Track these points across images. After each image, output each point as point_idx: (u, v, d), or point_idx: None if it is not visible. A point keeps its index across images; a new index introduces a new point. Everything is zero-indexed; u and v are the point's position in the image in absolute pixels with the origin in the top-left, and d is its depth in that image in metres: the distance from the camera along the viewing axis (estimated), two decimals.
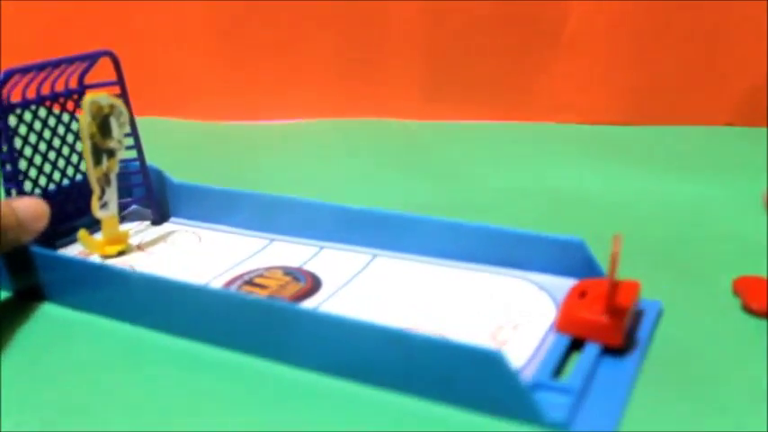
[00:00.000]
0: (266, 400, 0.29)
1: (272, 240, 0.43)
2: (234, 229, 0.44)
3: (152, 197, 0.45)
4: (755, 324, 0.34)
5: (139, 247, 0.42)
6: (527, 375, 0.29)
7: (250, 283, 0.38)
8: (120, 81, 0.43)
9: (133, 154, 0.44)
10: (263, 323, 0.31)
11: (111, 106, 0.41)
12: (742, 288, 0.36)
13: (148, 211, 0.46)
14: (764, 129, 0.66)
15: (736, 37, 0.68)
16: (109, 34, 0.71)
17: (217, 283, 0.38)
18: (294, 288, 0.37)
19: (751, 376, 0.30)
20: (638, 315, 0.34)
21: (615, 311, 0.31)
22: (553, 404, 0.27)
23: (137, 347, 0.33)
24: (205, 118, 0.73)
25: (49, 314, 0.36)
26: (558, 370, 0.30)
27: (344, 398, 0.29)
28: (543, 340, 0.32)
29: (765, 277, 0.37)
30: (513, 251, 0.37)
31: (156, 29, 0.73)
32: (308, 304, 0.35)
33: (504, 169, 0.58)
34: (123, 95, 0.43)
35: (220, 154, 0.62)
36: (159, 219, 0.46)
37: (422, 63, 0.72)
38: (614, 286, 0.32)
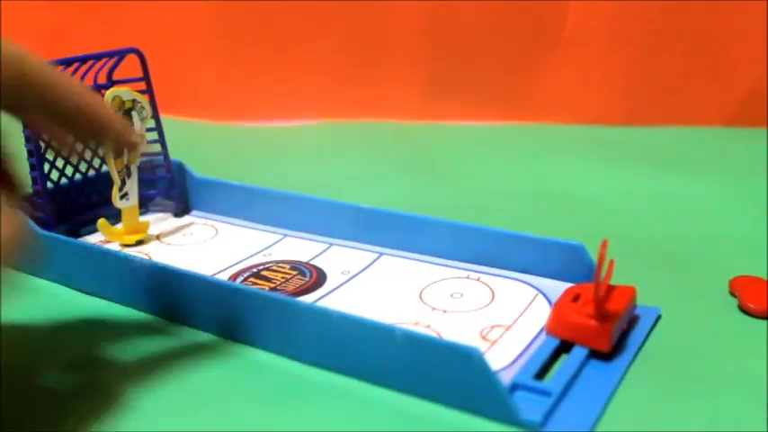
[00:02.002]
0: (251, 390, 0.30)
1: (285, 236, 0.44)
2: (249, 224, 0.45)
3: (174, 190, 0.47)
4: (752, 324, 0.34)
5: (158, 238, 0.44)
6: (509, 375, 0.29)
7: (257, 275, 0.39)
8: (146, 77, 0.45)
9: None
10: (256, 314, 0.32)
11: (133, 101, 0.42)
12: (739, 288, 0.36)
13: (172, 204, 0.47)
14: (764, 129, 0.65)
15: (736, 37, 0.67)
16: (108, 34, 0.72)
17: (225, 275, 0.39)
18: (298, 282, 0.38)
19: (748, 376, 0.30)
20: (633, 320, 0.34)
21: (605, 316, 0.31)
22: (530, 404, 0.28)
23: (146, 334, 0.34)
24: (206, 118, 0.73)
25: None
26: (542, 372, 0.30)
27: (325, 389, 0.30)
28: (532, 342, 0.32)
29: (762, 277, 0.37)
30: (513, 254, 0.37)
31: (159, 29, 0.74)
32: (308, 298, 0.36)
33: (504, 170, 0.58)
34: (149, 91, 0.44)
35: (220, 154, 0.63)
36: (181, 211, 0.47)
37: (422, 63, 0.72)
38: (606, 291, 0.32)
